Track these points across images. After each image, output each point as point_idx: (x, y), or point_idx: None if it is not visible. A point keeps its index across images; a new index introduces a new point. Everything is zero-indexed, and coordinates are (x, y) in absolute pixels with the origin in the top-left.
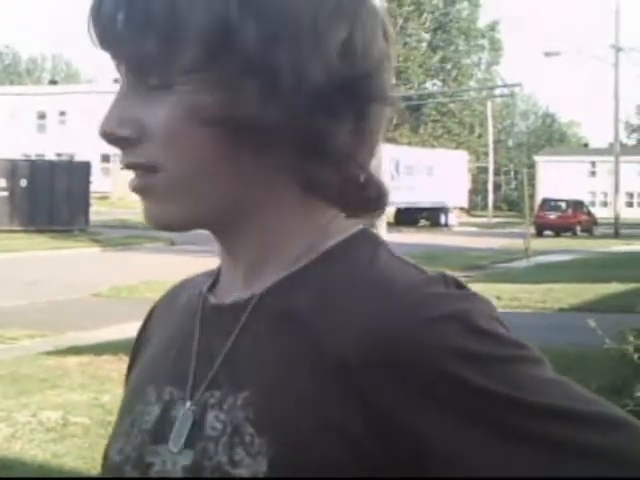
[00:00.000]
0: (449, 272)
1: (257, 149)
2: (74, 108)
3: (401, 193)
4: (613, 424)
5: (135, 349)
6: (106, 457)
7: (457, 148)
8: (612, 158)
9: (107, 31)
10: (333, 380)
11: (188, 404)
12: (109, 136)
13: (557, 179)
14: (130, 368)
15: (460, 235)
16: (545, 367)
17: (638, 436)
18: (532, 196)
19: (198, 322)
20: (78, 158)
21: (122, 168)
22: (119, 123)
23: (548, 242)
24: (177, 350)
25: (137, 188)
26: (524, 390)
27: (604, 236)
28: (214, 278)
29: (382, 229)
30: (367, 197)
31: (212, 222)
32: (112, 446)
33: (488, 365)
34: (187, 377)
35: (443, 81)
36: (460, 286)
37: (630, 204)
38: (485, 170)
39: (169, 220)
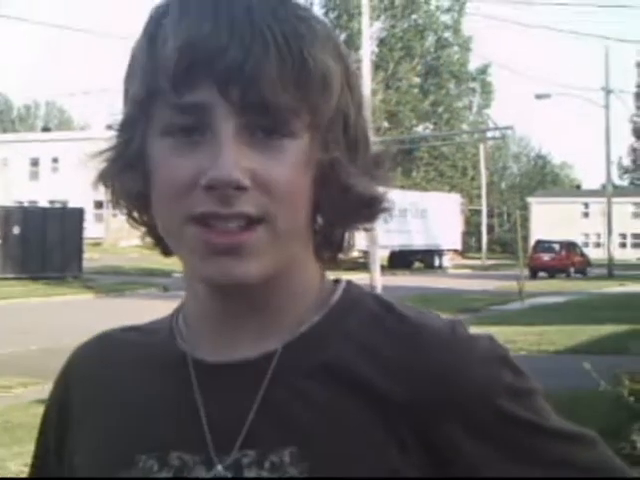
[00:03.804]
0: (444, 315)
1: (329, 202)
2: (67, 155)
3: (394, 236)
4: (592, 440)
5: (61, 414)
6: None
7: (450, 191)
8: (605, 199)
9: (245, 78)
10: (395, 425)
11: (219, 467)
12: (230, 184)
13: (550, 221)
14: (60, 437)
15: (454, 277)
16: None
17: (605, 447)
18: (525, 238)
19: (194, 382)
20: (71, 205)
21: (226, 217)
22: (241, 171)
23: (542, 284)
24: (168, 413)
25: (229, 245)
26: (546, 419)
27: (598, 277)
28: (173, 336)
29: (376, 272)
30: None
31: (269, 279)
32: None
33: (527, 399)
34: (202, 439)
35: (435, 124)
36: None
37: (623, 245)
38: (478, 212)
39: (255, 275)
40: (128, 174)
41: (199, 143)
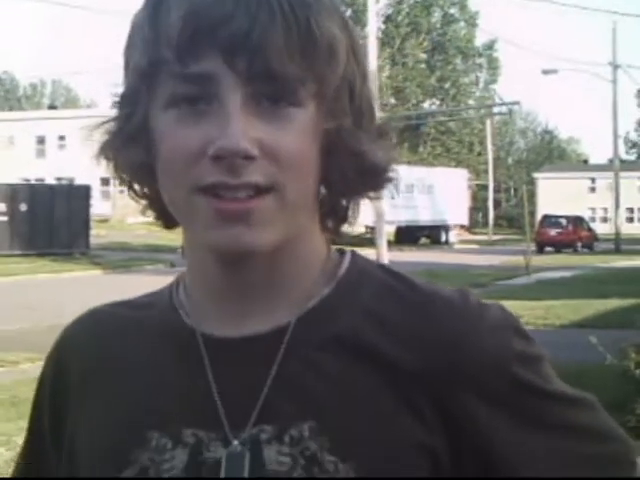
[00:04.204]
0: None
1: (336, 172)
2: (73, 133)
3: (401, 212)
4: (590, 403)
5: (56, 388)
6: None
7: (457, 166)
8: (612, 174)
9: (252, 48)
10: (408, 394)
11: (236, 442)
12: (238, 153)
13: (557, 196)
14: (55, 414)
15: (461, 253)
16: None
17: (602, 410)
18: (532, 213)
19: (204, 356)
20: (78, 182)
21: (235, 187)
22: (250, 141)
23: (549, 258)
24: (177, 388)
25: (239, 212)
26: (551, 383)
27: (605, 252)
28: (174, 309)
29: (383, 248)
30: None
31: (276, 249)
32: None
33: (536, 365)
34: (215, 415)
35: (442, 100)
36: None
37: (630, 219)
38: (485, 188)
39: (264, 243)
40: (131, 147)
41: (205, 113)
